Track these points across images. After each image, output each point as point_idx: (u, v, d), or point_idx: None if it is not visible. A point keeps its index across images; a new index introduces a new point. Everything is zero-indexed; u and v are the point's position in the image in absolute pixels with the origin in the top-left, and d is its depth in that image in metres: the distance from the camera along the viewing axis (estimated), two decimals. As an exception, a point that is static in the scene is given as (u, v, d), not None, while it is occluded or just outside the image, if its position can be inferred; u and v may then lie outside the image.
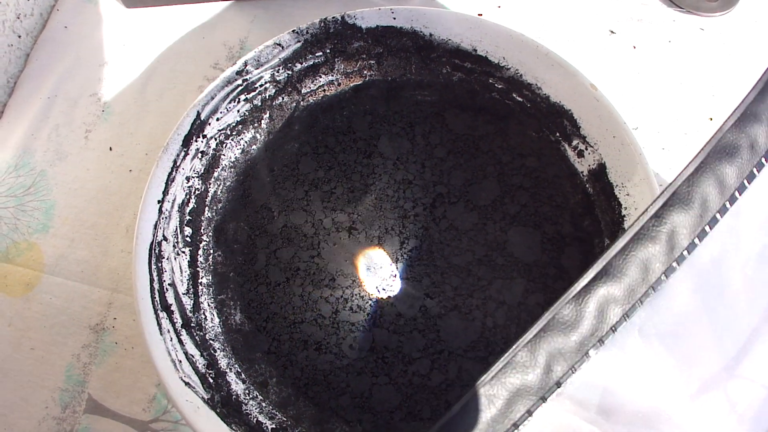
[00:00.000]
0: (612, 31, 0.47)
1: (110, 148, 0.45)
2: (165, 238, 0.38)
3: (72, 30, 0.48)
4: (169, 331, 0.36)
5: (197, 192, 0.40)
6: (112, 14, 0.48)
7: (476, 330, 0.38)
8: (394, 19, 0.40)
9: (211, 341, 0.38)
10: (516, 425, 0.22)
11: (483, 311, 0.38)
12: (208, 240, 0.40)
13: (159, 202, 0.38)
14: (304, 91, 0.42)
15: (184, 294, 0.38)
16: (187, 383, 0.35)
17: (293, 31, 0.40)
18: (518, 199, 0.40)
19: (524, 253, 0.39)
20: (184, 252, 0.39)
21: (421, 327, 0.38)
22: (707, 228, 0.24)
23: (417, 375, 0.38)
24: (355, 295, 0.39)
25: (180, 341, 0.37)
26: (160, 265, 0.37)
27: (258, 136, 0.42)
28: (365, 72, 0.42)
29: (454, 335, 0.38)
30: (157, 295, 0.36)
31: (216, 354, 0.38)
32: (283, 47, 0.40)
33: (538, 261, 0.39)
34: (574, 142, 0.40)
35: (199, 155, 0.40)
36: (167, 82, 0.46)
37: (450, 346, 0.38)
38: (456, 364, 0.38)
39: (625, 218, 0.38)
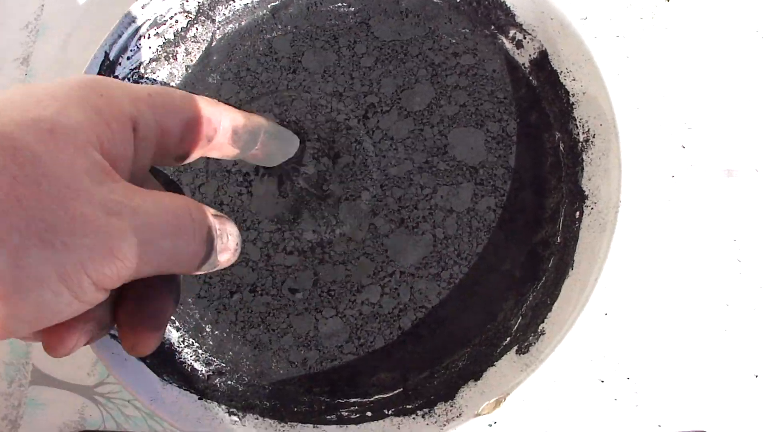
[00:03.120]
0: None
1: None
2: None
3: (-16, -4, 0.46)
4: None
5: (112, 136, 0.37)
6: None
7: (426, 244, 0.35)
8: (304, -73, 0.37)
9: (136, 289, 0.35)
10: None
11: (431, 222, 0.35)
12: (128, 185, 0.37)
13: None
14: (218, 19, 0.39)
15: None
16: (113, 336, 0.32)
17: (197, -46, 0.37)
18: (455, 99, 0.36)
19: (468, 156, 0.35)
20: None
21: (369, 251, 0.35)
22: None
23: (366, 303, 0.34)
24: (287, 238, 0.36)
25: (101, 291, 0.34)
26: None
27: (174, 72, 0.39)
28: (280, -10, 0.39)
29: (403, 253, 0.35)
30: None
31: (143, 302, 0.35)
32: (188, -27, 0.37)
33: (483, 162, 0.35)
34: (511, 33, 0.37)
35: (111, 97, 0.37)
36: (87, 35, 0.44)
37: (401, 266, 0.35)
38: (407, 286, 0.34)
39: (573, 106, 0.35)
